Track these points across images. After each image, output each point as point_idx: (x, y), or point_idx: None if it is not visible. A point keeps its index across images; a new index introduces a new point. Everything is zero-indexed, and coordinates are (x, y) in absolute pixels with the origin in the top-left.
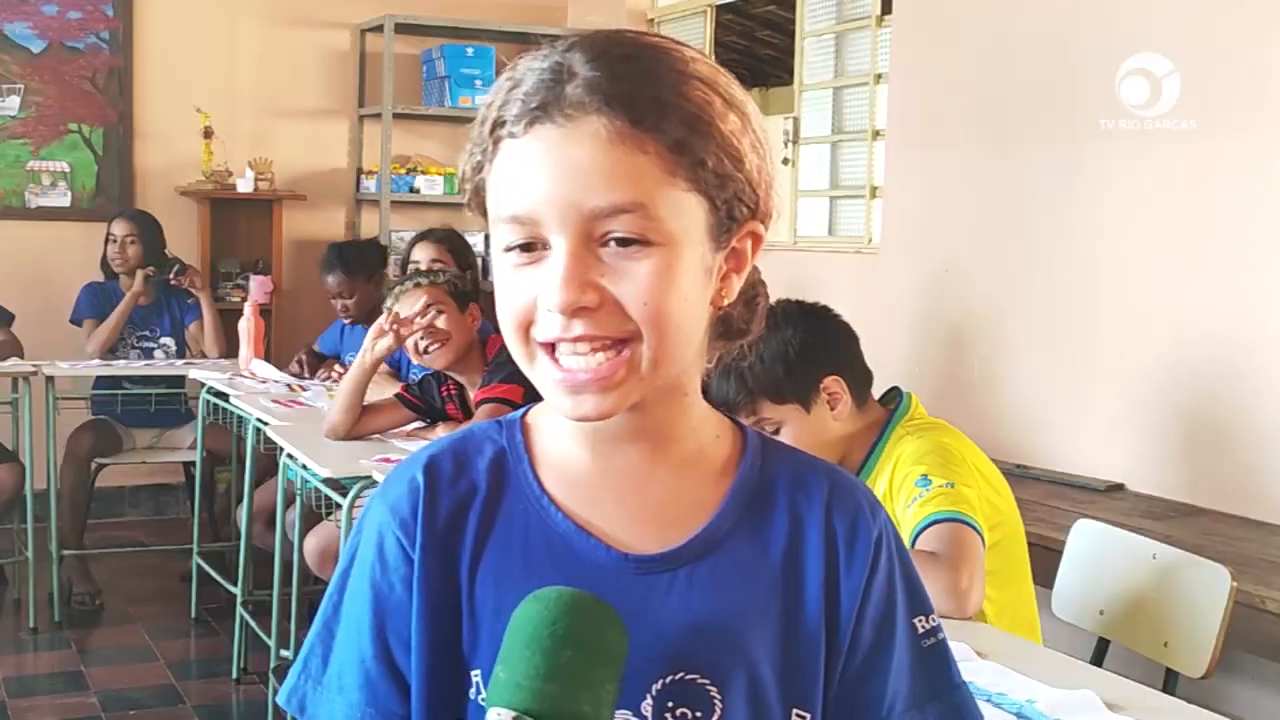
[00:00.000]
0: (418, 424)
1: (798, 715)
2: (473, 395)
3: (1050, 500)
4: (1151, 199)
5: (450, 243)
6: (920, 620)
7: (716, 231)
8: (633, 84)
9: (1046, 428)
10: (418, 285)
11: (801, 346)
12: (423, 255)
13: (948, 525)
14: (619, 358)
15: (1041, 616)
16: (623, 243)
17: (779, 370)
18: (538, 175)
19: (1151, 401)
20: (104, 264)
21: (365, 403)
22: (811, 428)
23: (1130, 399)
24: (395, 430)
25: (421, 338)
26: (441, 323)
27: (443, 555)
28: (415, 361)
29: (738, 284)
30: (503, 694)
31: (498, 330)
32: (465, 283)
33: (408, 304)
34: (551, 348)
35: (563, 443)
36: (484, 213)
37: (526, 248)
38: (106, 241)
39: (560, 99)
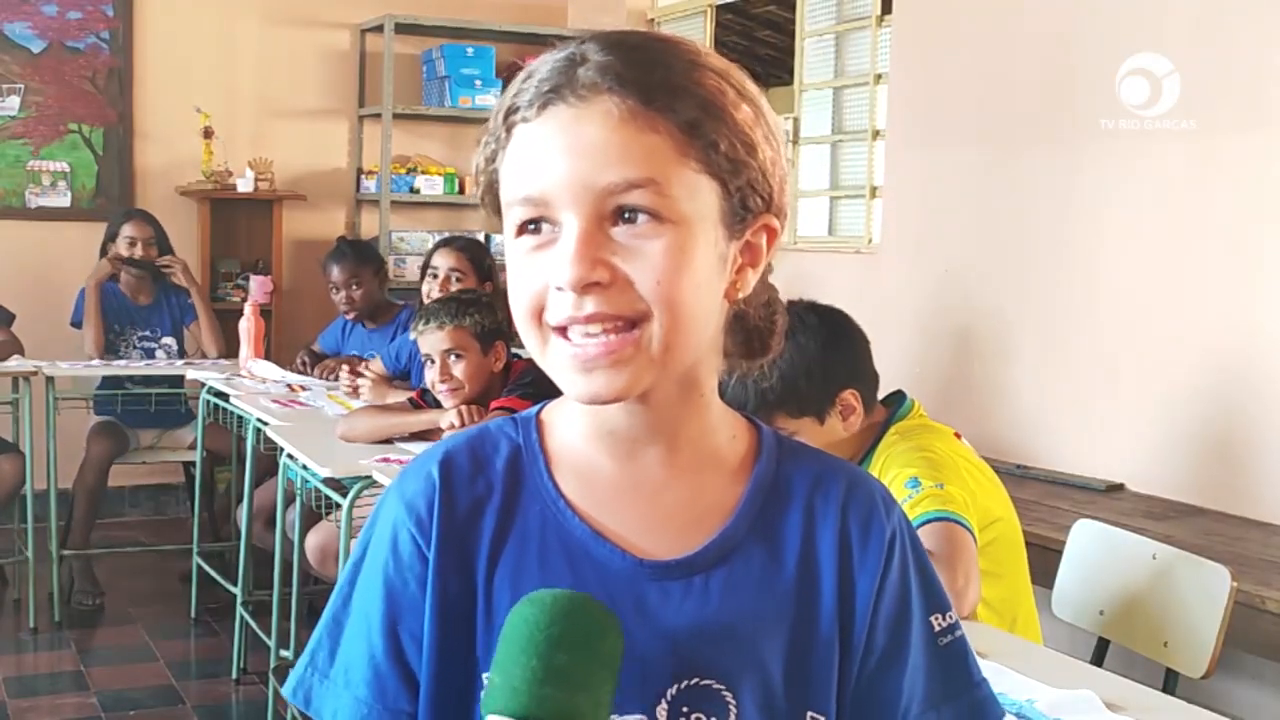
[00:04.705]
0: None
1: (812, 718)
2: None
3: (1050, 500)
4: (1151, 199)
5: (472, 252)
6: (937, 619)
7: (730, 219)
8: (645, 67)
9: (1046, 428)
10: (441, 326)
11: (822, 360)
12: (443, 262)
13: (940, 525)
14: (629, 334)
15: (1041, 616)
16: (635, 220)
17: (799, 385)
18: (550, 155)
19: (1151, 401)
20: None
21: (380, 404)
22: (822, 438)
23: (1130, 399)
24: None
25: (439, 380)
26: (459, 370)
27: (458, 554)
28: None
29: (753, 278)
30: (500, 699)
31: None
32: (494, 321)
33: (429, 343)
34: (564, 331)
35: (578, 443)
36: (497, 210)
37: (538, 229)
38: (114, 241)
39: (573, 81)
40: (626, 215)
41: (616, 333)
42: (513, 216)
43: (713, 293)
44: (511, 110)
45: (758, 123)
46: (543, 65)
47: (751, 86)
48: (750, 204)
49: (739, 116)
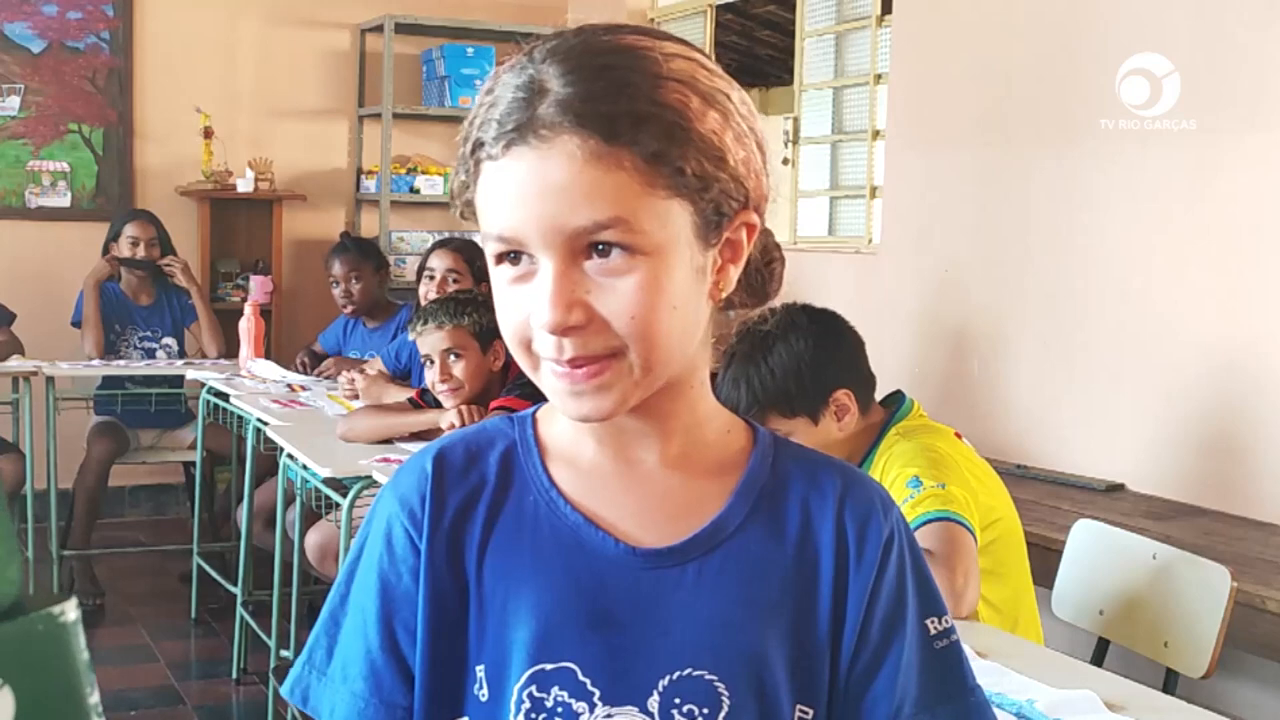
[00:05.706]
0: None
1: (800, 712)
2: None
3: (1050, 500)
4: (1151, 199)
5: (468, 253)
6: (933, 622)
7: (704, 231)
8: (606, 100)
9: (1046, 428)
10: (440, 326)
11: (813, 360)
12: (439, 264)
13: (940, 525)
14: (610, 361)
15: (1041, 616)
16: (608, 254)
17: (790, 385)
18: (518, 198)
19: (1152, 401)
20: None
21: (380, 404)
22: (817, 439)
23: (1130, 399)
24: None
25: (439, 381)
26: (459, 370)
27: (450, 546)
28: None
29: (735, 273)
30: None
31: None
32: (492, 320)
33: (428, 343)
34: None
35: (572, 436)
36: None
37: (517, 259)
38: (116, 241)
39: (534, 120)
40: (600, 248)
41: (600, 360)
42: (490, 248)
43: (693, 306)
44: (478, 144)
45: (726, 126)
46: (504, 91)
47: (720, 83)
48: (725, 209)
49: (705, 130)
